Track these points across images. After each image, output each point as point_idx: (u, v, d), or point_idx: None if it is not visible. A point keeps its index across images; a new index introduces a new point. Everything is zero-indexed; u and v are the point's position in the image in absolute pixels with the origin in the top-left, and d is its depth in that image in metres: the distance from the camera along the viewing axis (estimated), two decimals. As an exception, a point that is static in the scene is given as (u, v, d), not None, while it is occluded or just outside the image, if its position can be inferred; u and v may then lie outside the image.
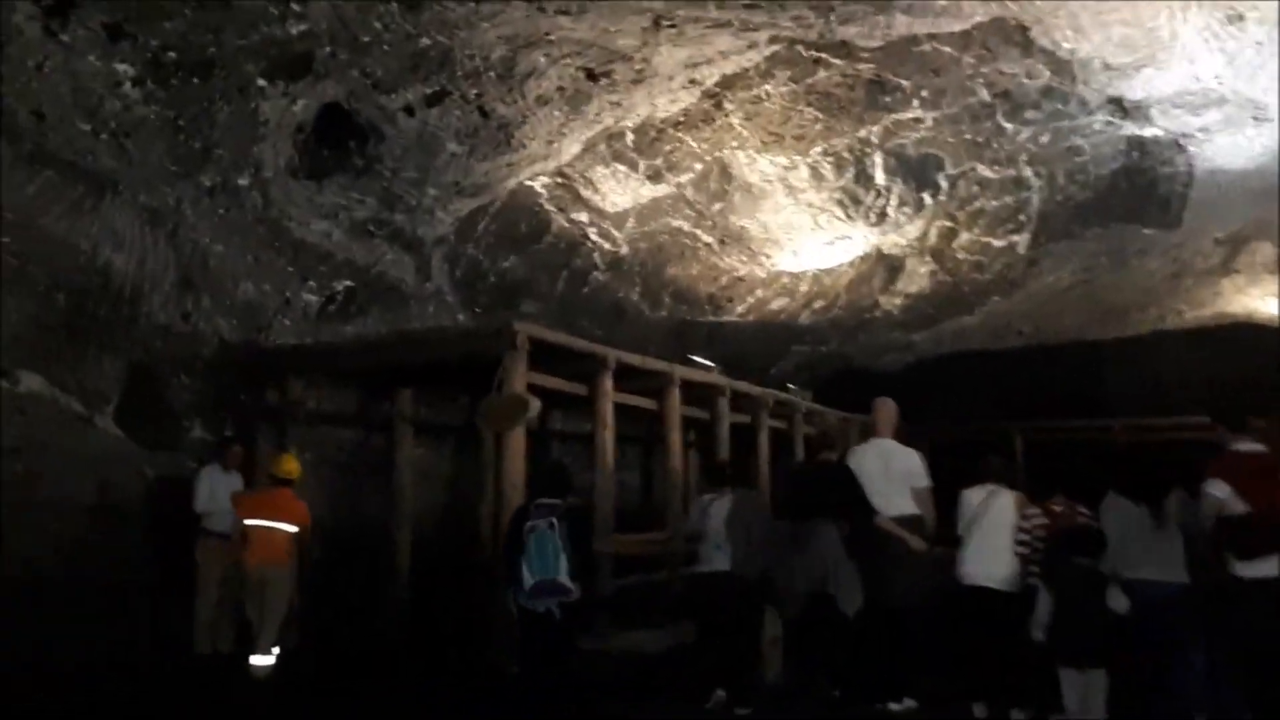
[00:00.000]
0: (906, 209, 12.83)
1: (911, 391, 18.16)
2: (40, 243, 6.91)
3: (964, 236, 14.00)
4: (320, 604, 8.68)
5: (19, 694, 6.15)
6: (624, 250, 12.31)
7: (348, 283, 9.37)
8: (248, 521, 7.25)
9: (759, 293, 15.00)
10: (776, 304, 15.44)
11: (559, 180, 10.49)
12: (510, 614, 5.84)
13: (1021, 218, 13.45)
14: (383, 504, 9.81)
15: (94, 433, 7.39)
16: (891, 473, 6.11)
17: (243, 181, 8.03)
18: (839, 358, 18.36)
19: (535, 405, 7.27)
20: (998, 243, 14.08)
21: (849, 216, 12.65)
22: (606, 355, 8.60)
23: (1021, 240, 13.96)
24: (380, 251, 9.56)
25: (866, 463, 6.24)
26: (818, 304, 15.87)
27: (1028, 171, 11.96)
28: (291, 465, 7.55)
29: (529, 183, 10.25)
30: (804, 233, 13.14)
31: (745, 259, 13.83)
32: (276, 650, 7.23)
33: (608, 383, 8.64)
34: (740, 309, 15.25)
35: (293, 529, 7.32)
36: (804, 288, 15.27)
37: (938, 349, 17.82)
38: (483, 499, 10.37)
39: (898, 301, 16.04)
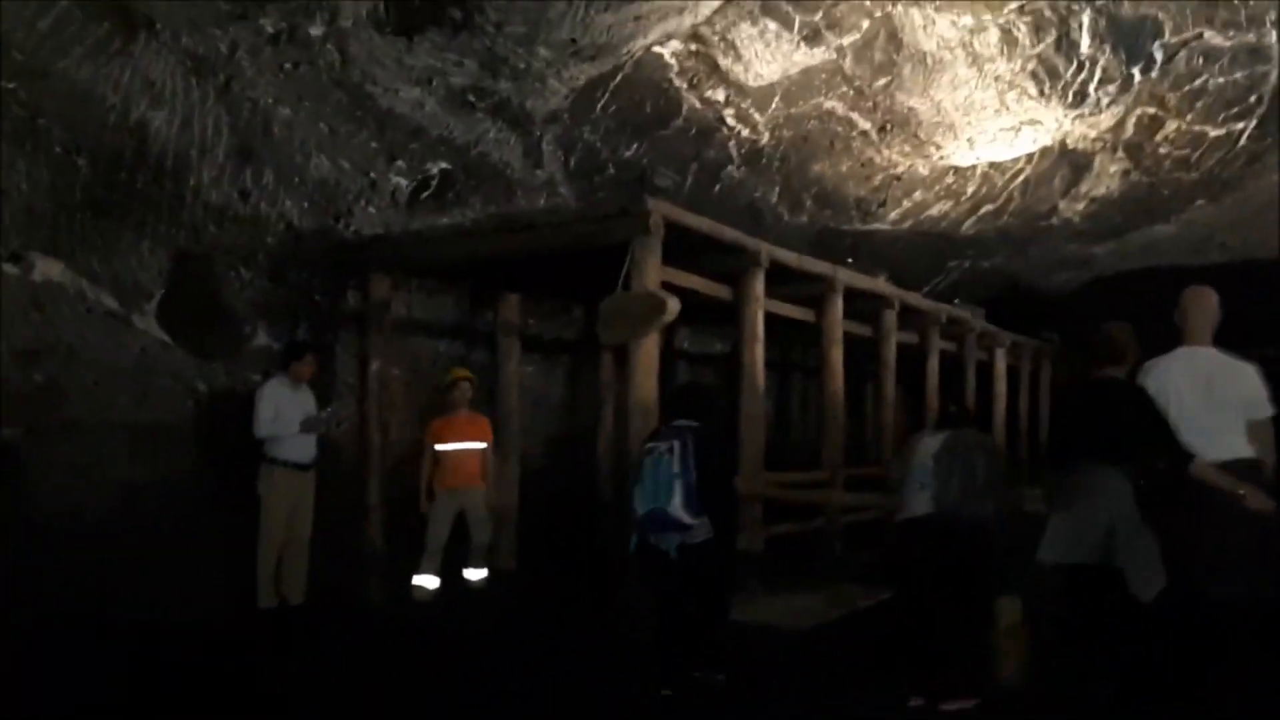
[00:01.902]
0: (1110, 87, 10.53)
1: (1084, 315, 15.99)
2: (56, 92, 5.46)
3: (1171, 126, 11.61)
4: (411, 543, 7.28)
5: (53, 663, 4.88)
6: (764, 139, 10.36)
7: (443, 165, 7.74)
8: (439, 447, 7.16)
9: (917, 195, 12.86)
10: (937, 209, 13.30)
11: (694, 47, 8.62)
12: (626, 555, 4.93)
13: (1251, 99, 10.98)
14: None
15: (131, 335, 6.00)
16: (1216, 397, 4.13)
17: (314, 31, 6.41)
18: (1003, 275, 16.16)
19: (674, 305, 5.57)
20: (1214, 132, 11.68)
21: (1042, 94, 10.41)
22: (759, 249, 6.82)
23: (1245, 128, 11.53)
24: (482, 128, 7.89)
25: (1176, 381, 4.27)
26: (985, 209, 13.69)
27: (1271, 37, 9.59)
28: (464, 374, 7.40)
29: (657, 49, 8.42)
30: (985, 116, 10.92)
31: (908, 151, 11.70)
32: (485, 571, 7.23)
33: (759, 285, 6.88)
34: (893, 215, 13.13)
35: (484, 446, 7.31)
36: (971, 189, 13.08)
37: (1120, 264, 15.47)
38: (600, 428, 8.85)
39: (1080, 207, 13.81)
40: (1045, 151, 11.87)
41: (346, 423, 7.30)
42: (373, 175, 7.36)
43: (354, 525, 6.93)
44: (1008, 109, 10.51)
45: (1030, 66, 9.69)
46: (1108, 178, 12.79)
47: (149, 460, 6.02)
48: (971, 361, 11.20)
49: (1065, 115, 10.76)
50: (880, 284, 8.90)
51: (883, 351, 8.85)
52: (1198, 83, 10.43)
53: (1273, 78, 10.38)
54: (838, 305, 7.87)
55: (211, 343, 6.47)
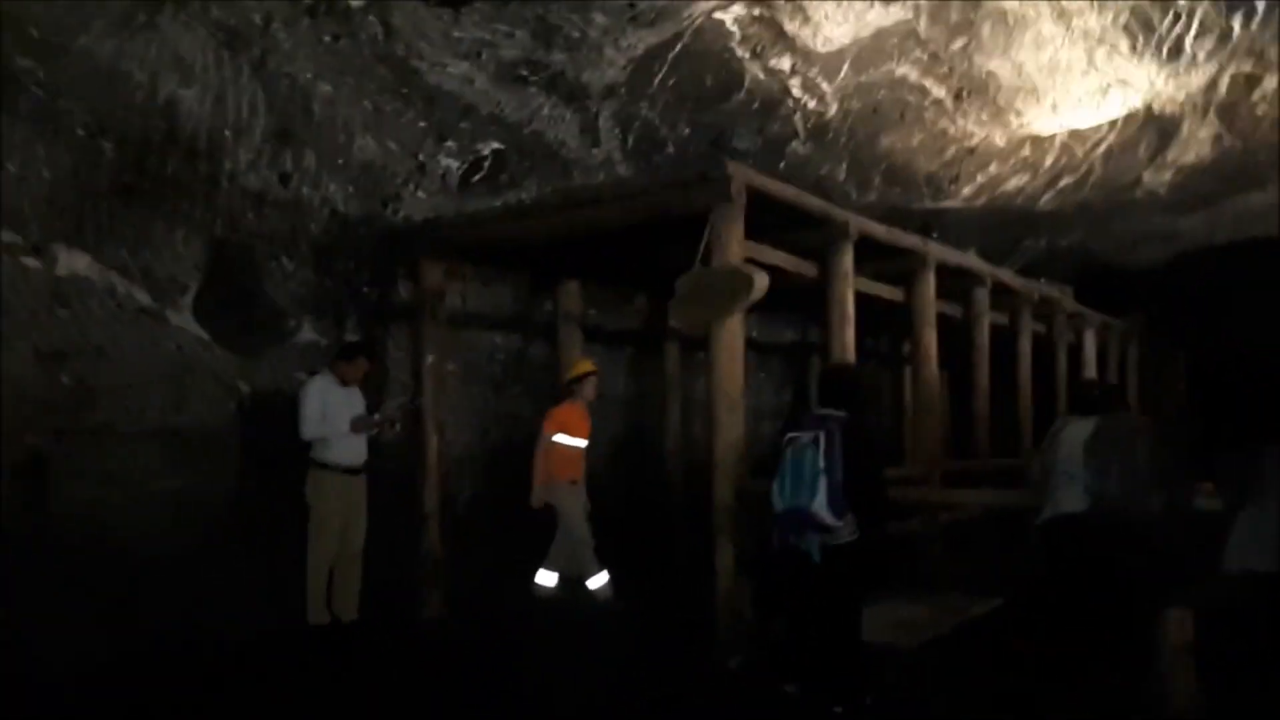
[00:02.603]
0: (1207, 40, 9.69)
1: (1171, 293, 15.04)
2: (78, 71, 4.98)
3: (1270, 82, 10.69)
4: (475, 552, 6.74)
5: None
6: (832, 111, 9.65)
7: (495, 145, 7.18)
8: (568, 440, 6.68)
9: (992, 169, 12.06)
10: (1013, 183, 12.50)
11: (758, 10, 8.01)
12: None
13: (1366, 48, 10.03)
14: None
15: (166, 332, 5.51)
16: None
17: (355, 1, 5.92)
18: (1081, 252, 15.30)
19: (762, 281, 4.93)
20: (1322, 86, 10.70)
21: (1134, 50, 9.59)
22: (847, 220, 6.16)
23: (1357, 81, 10.60)
24: (535, 104, 7.32)
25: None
26: (1064, 181, 12.87)
27: (1382, -23, 8.75)
28: (593, 367, 6.95)
29: (719, 15, 7.81)
30: (1071, 77, 10.10)
31: (985, 119, 10.90)
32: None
33: (848, 259, 6.21)
34: (966, 191, 12.33)
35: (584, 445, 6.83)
36: (1049, 160, 12.26)
37: (1210, 237, 14.51)
38: (667, 426, 8.24)
39: (1166, 177, 12.94)
40: (1130, 117, 11.06)
41: (402, 424, 6.78)
42: (421, 157, 6.83)
43: (411, 534, 6.39)
44: (1096, 68, 9.71)
45: (1123, 19, 8.91)
46: (1197, 143, 11.93)
47: (188, 468, 5.52)
48: (1063, 344, 10.40)
49: (1158, 73, 9.94)
50: (973, 259, 8.18)
51: (975, 334, 8.13)
52: (1306, 30, 9.61)
53: (1392, 22, 9.53)
54: (929, 282, 7.17)
55: (253, 339, 5.96)
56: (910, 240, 7.04)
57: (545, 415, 6.72)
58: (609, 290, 8.16)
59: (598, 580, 6.37)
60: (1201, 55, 9.81)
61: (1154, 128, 11.40)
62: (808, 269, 6.16)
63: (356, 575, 5.82)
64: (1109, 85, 10.10)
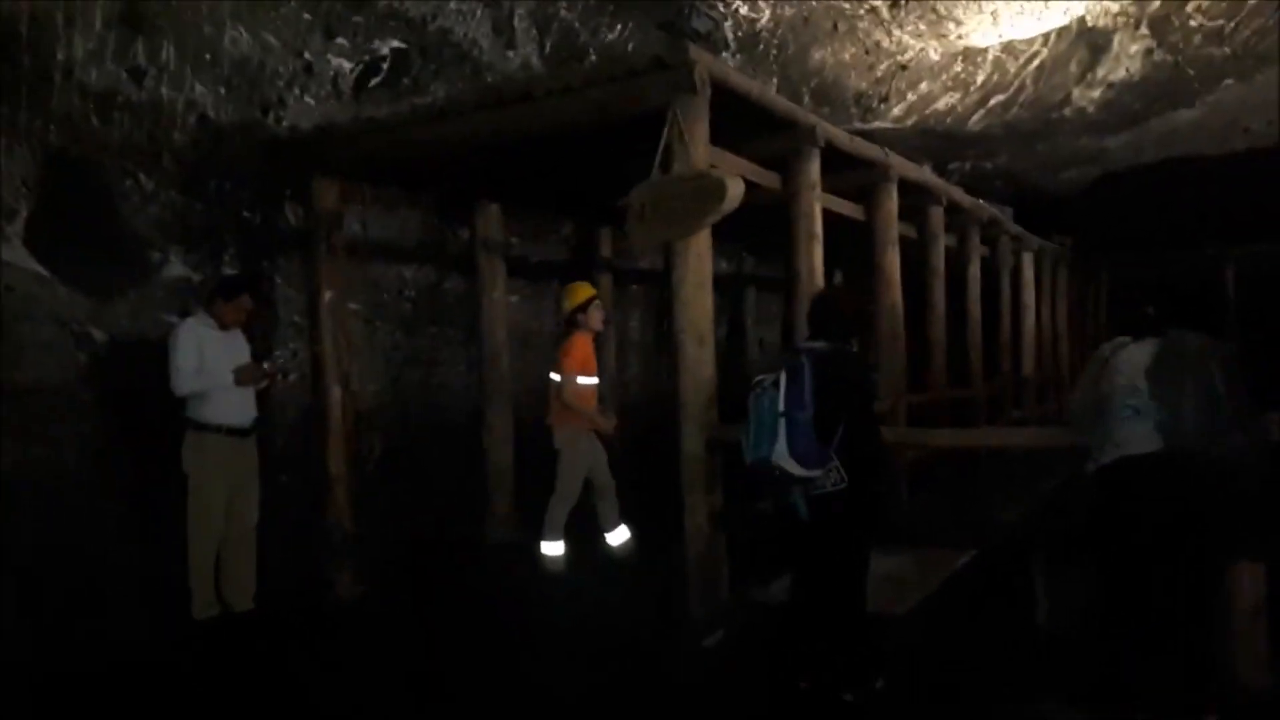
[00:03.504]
0: (1145, -54, 9.17)
1: (1096, 215, 14.79)
2: None
3: (1207, -7, 10.27)
4: (391, 519, 5.83)
5: None
6: (764, 19, 8.83)
7: (395, 43, 6.14)
8: (584, 380, 5.65)
9: (923, 87, 11.43)
10: (943, 102, 11.90)
11: (691, -114, 7.15)
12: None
13: (1304, -46, 9.67)
14: (465, 374, 6.83)
15: (-11, 267, 4.37)
16: None
17: None
18: (1005, 176, 14.92)
19: (736, 188, 4.09)
20: (1255, -3, 10.34)
21: (1084, -55, 9.03)
22: (814, 126, 5.34)
23: (1290, -10, 10.26)
24: (441, -3, 6.29)
25: None
26: (995, 100, 12.35)
27: None
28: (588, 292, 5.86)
29: (648, -105, 6.92)
30: (1017, -19, 9.46)
31: (922, 30, 10.21)
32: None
33: (815, 170, 5.41)
34: (896, 110, 11.68)
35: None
36: (981, 77, 11.69)
37: (1135, 158, 14.24)
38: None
39: (1095, 94, 12.56)
40: (1064, 30, 10.57)
41: (296, 373, 5.76)
42: (307, 55, 5.73)
43: (314, 503, 5.42)
44: (1043, -27, 9.11)
45: (1078, -92, 8.28)
46: (1127, 59, 11.52)
47: (27, 435, 4.43)
48: (1006, 267, 9.88)
49: (1102, -22, 9.41)
50: (930, 175, 7.48)
51: (931, 255, 7.46)
52: (1246, -69, 9.19)
53: (1332, -77, 9.15)
54: (893, 198, 6.44)
55: (107, 275, 4.84)
56: (873, 151, 6.28)
57: (566, 348, 5.71)
58: (533, 216, 7.20)
59: (554, 546, 5.55)
60: (1146, -40, 9.29)
61: (1086, 42, 10.92)
62: (770, 180, 5.32)
63: (250, 556, 4.84)
64: (1052, -8, 9.51)
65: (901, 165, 6.64)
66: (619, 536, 5.72)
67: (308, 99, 5.77)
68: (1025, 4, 9.66)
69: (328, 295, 5.44)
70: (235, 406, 4.74)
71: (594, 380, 5.72)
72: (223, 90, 5.26)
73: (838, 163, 5.96)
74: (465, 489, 6.33)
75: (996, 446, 4.45)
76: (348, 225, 5.86)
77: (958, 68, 10.85)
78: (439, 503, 6.22)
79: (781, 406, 3.36)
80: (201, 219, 5.26)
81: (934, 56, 10.43)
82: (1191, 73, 11.78)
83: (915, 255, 7.49)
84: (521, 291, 7.28)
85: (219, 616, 4.67)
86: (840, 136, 5.81)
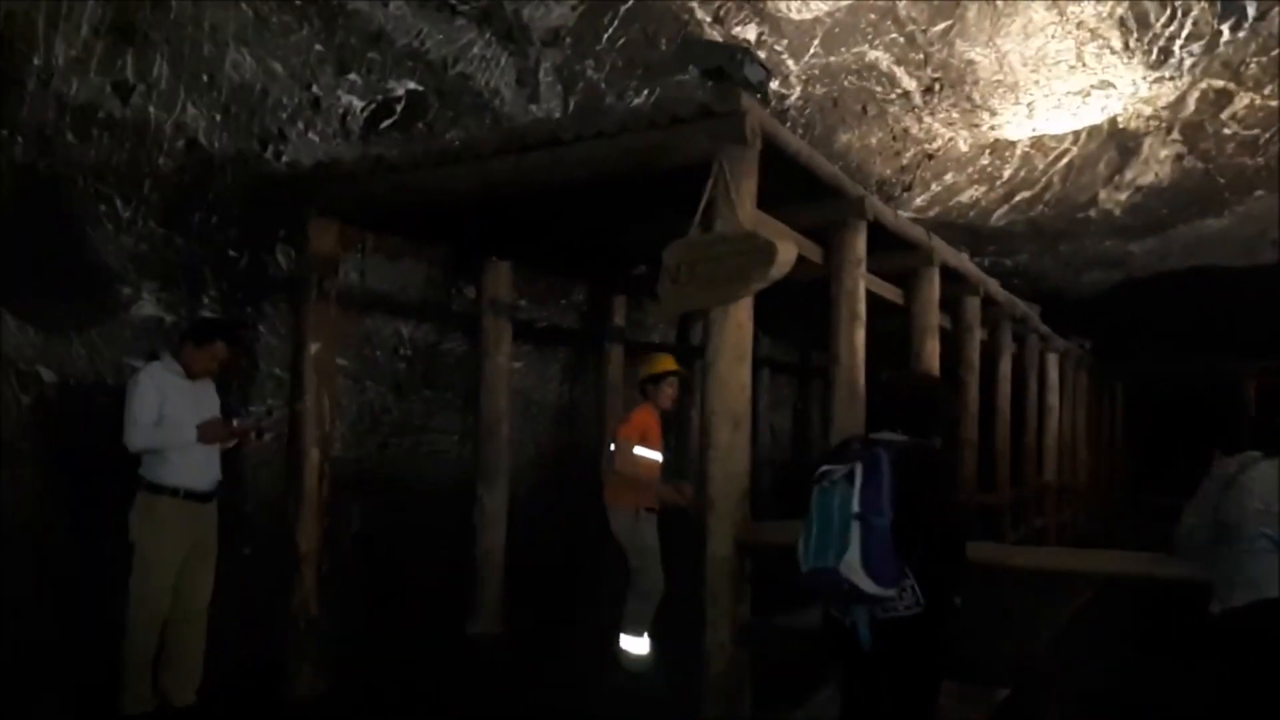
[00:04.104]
0: (1195, 46, 8.90)
1: (1114, 320, 14.39)
2: None
3: (1242, 101, 10.01)
4: (363, 605, 5.20)
5: None
6: (793, 96, 8.51)
7: (411, 85, 5.72)
8: (649, 454, 5.20)
9: (948, 178, 11.10)
10: (968, 195, 11.57)
11: (728, -35, 6.84)
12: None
13: (1340, 67, 9.41)
14: (459, 444, 6.25)
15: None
16: None
17: None
18: (1025, 274, 14.54)
19: (788, 253, 3.59)
20: (1292, 109, 10.06)
21: (1126, 47, 8.74)
22: (864, 197, 4.88)
23: (1331, 101, 9.99)
24: (465, 39, 5.90)
25: None
26: (1020, 196, 12.06)
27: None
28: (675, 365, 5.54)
29: (683, -37, 6.60)
30: (1056, 73, 9.16)
31: (954, 118, 9.90)
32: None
33: (860, 244, 4.93)
34: (919, 200, 11.32)
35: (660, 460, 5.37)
36: (1008, 172, 11.39)
37: (1159, 264, 13.89)
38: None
39: (1122, 197, 12.28)
40: (1094, 130, 10.31)
41: (272, 433, 5.17)
42: (315, 89, 5.29)
43: (278, 583, 4.77)
44: (1084, 65, 8.79)
45: (1120, 11, 8.00)
46: (1156, 164, 11.26)
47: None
48: (1034, 366, 9.39)
49: (1143, 77, 9.12)
50: (967, 263, 7.03)
51: (966, 348, 6.96)
52: (1289, 47, 8.93)
53: (1367, 40, 8.93)
54: (934, 283, 5.96)
55: (67, 309, 4.30)
56: (917, 232, 5.83)
57: (626, 417, 5.29)
58: (544, 278, 6.70)
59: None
60: (1188, 61, 8.99)
61: (1116, 143, 10.65)
62: (812, 252, 4.83)
63: (198, 642, 4.20)
64: (1091, 88, 9.22)
65: (943, 249, 6.18)
66: (635, 645, 5.05)
67: (311, 135, 5.30)
68: (1063, 98, 9.37)
69: (314, 347, 4.88)
70: (196, 467, 4.15)
71: (655, 454, 5.19)
72: (218, 116, 4.79)
73: (878, 242, 5.48)
74: (451, 574, 5.70)
75: (1085, 571, 3.88)
76: (344, 273, 5.34)
77: (985, 160, 10.55)
78: (420, 588, 5.58)
79: (856, 507, 2.78)
80: (182, 255, 4.73)
81: (962, 147, 10.13)
82: (1222, 181, 11.50)
83: (949, 347, 6.99)
84: (526, 357, 6.73)
85: (153, 713, 4.01)
86: (886, 213, 5.34)
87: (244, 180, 4.89)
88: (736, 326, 3.74)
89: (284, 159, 5.10)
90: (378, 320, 5.83)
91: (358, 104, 5.48)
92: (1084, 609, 6.94)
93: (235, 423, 4.36)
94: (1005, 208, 11.75)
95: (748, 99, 3.78)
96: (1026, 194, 11.48)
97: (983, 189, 11.20)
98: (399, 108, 5.67)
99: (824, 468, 3.00)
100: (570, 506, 6.59)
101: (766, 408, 9.91)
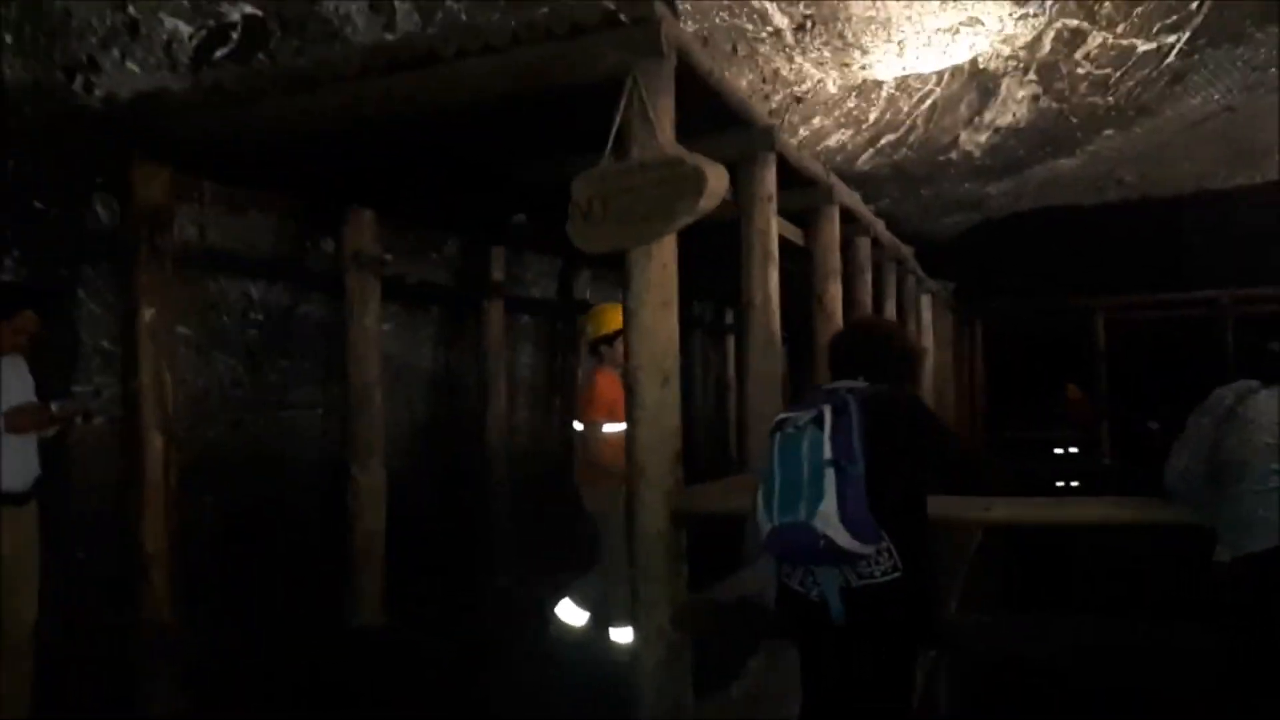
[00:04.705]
0: (1063, -23, 9.03)
1: (971, 261, 14.68)
2: None
3: (1095, 41, 10.27)
4: (226, 610, 4.53)
5: None
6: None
7: (249, 9, 4.96)
8: (613, 429, 4.47)
9: (815, 121, 10.97)
10: (835, 139, 11.51)
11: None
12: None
13: (1192, 4, 9.75)
14: (325, 420, 5.59)
15: None
16: None
17: None
18: (889, 218, 14.67)
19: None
20: (1143, 46, 10.46)
21: (996, -19, 8.74)
22: (771, 128, 4.48)
23: (1176, 42, 10.36)
24: (308, -46, 5.19)
25: None
26: (885, 140, 12.10)
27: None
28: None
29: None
30: (928, 9, 9.06)
31: (825, 58, 9.71)
32: None
33: (770, 178, 4.53)
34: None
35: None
36: (874, 115, 11.39)
37: (1014, 204, 14.25)
38: (490, 413, 6.31)
39: (982, 138, 12.54)
40: (956, 72, 10.34)
41: (103, 416, 4.39)
42: (131, 10, 4.47)
43: (120, 593, 4.05)
44: (955, 1, 8.71)
45: (993, -55, 7.93)
46: (1014, 104, 11.49)
47: None
48: (912, 310, 9.32)
49: (1009, 14, 9.14)
50: (860, 203, 6.75)
51: (858, 291, 6.71)
52: (1143, -17, 9.16)
53: (1218, -20, 9.21)
54: (834, 223, 5.62)
55: None
56: (816, 169, 5.48)
57: (586, 389, 4.71)
58: (411, 229, 6.03)
59: (627, 631, 4.38)
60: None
61: (977, 84, 10.74)
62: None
63: (23, 668, 3.47)
64: (960, 25, 9.16)
65: (839, 188, 5.86)
66: (570, 614, 4.59)
67: (130, 64, 4.48)
68: (933, 36, 9.26)
69: (148, 315, 4.13)
70: (9, 463, 3.40)
71: (621, 427, 4.61)
72: (8, 37, 3.94)
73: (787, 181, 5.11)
74: (325, 563, 5.06)
75: (1072, 522, 3.61)
76: (179, 228, 4.57)
77: (851, 103, 10.43)
78: (291, 582, 4.93)
79: (828, 453, 2.40)
80: (-28, 208, 3.90)
81: (831, 89, 9.96)
82: (1075, 121, 11.80)
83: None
84: (395, 318, 6.08)
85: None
86: (789, 146, 4.96)
87: (49, 117, 4.07)
88: (661, 268, 3.27)
89: (97, 92, 4.29)
90: (223, 282, 5.07)
91: (184, 29, 4.69)
92: (979, 556, 6.90)
93: (55, 407, 3.61)
94: (870, 151, 11.74)
95: (660, 5, 3.28)
96: (891, 137, 11.46)
97: (849, 132, 11.11)
98: (235, 35, 4.90)
99: (783, 415, 2.61)
100: (452, 484, 6.03)
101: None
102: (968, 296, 14.10)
